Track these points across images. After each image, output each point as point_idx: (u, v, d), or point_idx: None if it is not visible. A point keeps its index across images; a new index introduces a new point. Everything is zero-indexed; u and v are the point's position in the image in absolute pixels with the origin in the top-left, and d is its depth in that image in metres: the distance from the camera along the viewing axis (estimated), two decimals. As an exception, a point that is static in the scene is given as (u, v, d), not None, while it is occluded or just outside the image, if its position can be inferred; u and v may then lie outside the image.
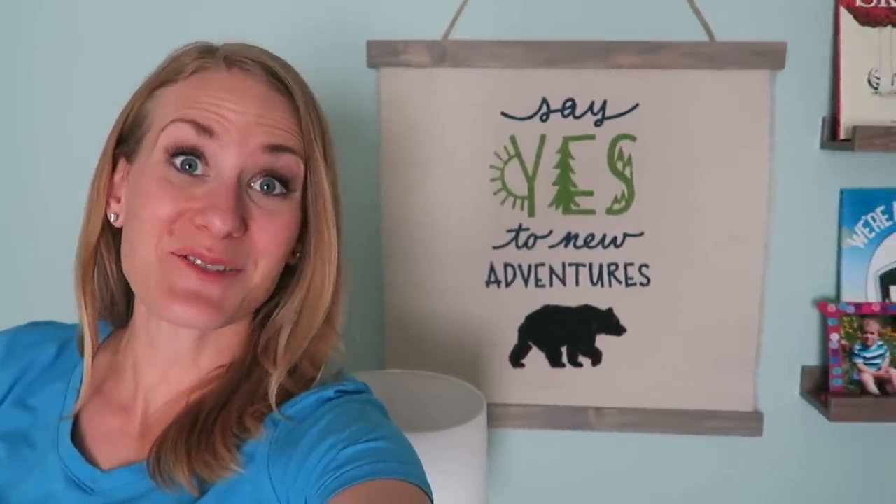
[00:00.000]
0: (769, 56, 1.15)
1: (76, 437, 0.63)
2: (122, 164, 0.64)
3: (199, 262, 0.58)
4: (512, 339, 1.25)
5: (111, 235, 0.65)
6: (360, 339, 1.27)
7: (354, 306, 1.22)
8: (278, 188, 0.61)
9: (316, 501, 0.53)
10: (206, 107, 0.59)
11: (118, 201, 0.64)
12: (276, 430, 0.60)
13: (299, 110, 0.62)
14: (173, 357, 0.64)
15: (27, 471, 0.62)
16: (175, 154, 0.59)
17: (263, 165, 0.60)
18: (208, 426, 0.59)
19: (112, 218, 0.64)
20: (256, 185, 0.60)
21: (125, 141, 0.64)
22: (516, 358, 1.25)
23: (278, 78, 0.62)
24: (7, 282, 1.29)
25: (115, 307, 0.68)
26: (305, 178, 0.62)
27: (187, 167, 0.59)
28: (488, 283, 1.23)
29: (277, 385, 0.62)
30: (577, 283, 1.22)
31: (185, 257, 0.58)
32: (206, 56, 0.62)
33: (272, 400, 0.61)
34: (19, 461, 0.63)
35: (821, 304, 1.21)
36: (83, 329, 0.64)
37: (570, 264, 1.22)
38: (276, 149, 0.60)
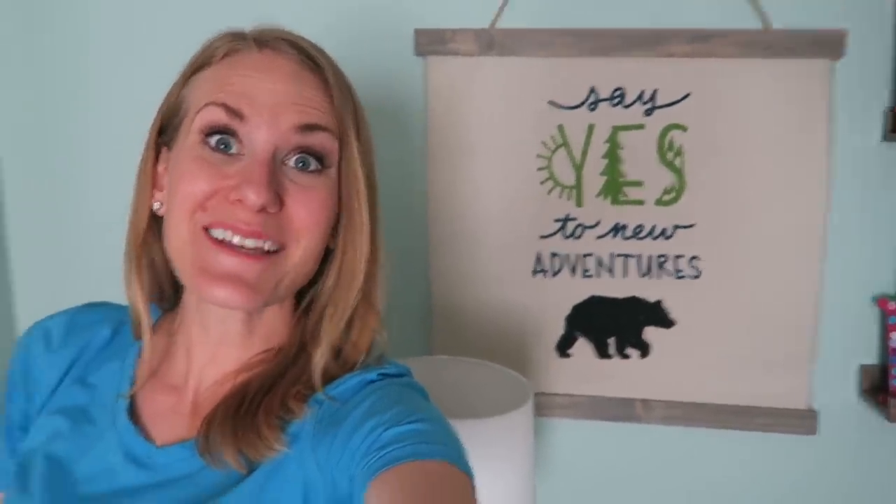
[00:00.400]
0: (828, 45, 1.11)
1: (132, 414, 0.66)
2: (163, 153, 0.65)
3: (236, 239, 0.58)
4: (558, 329, 1.24)
5: (157, 224, 0.66)
6: (407, 327, 1.29)
7: (402, 293, 1.25)
8: (313, 164, 0.61)
9: (360, 481, 0.53)
10: (238, 88, 0.60)
11: (161, 190, 0.65)
12: (320, 410, 0.61)
13: (331, 88, 0.62)
14: (223, 338, 0.65)
15: (88, 445, 0.65)
16: (209, 134, 0.60)
17: (297, 143, 0.60)
18: (253, 408, 0.61)
19: (156, 206, 0.65)
20: (291, 162, 0.60)
21: (165, 130, 0.65)
22: (563, 348, 1.25)
23: (310, 56, 0.62)
24: (64, 268, 1.36)
25: (164, 292, 0.70)
26: (340, 156, 0.63)
27: (222, 147, 0.60)
28: (534, 272, 1.23)
29: (321, 366, 0.63)
30: (625, 275, 1.21)
31: (220, 240, 0.59)
32: (237, 39, 0.63)
33: (317, 379, 0.62)
34: (81, 436, 0.66)
35: (881, 301, 1.17)
36: (137, 314, 0.66)
37: (619, 255, 1.21)
38: (308, 128, 0.60)
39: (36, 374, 0.71)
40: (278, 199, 0.59)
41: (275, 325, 0.67)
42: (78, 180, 1.36)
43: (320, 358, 0.63)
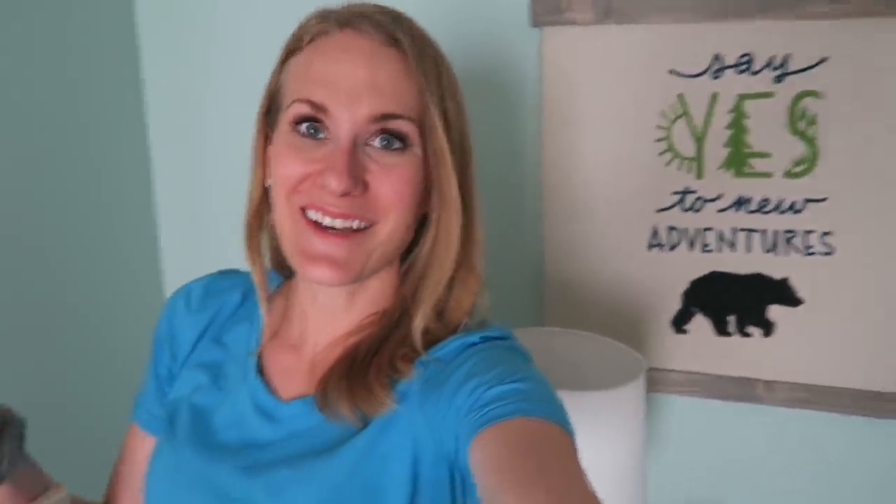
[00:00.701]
0: None
1: (260, 371, 0.72)
2: (270, 136, 0.70)
3: (326, 220, 0.63)
4: (674, 304, 1.21)
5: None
6: (518, 298, 1.30)
7: (514, 264, 1.26)
8: (396, 143, 0.63)
9: (464, 438, 0.56)
10: (321, 76, 0.63)
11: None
12: (426, 371, 0.64)
13: (411, 63, 0.63)
14: (330, 306, 0.71)
15: (224, 398, 0.72)
16: (298, 122, 0.64)
17: (371, 132, 0.63)
18: (364, 368, 0.65)
19: (269, 184, 0.70)
20: (375, 142, 0.63)
21: (269, 112, 0.70)
22: (679, 323, 1.22)
23: (388, 33, 0.63)
24: (206, 238, 1.48)
25: (283, 261, 0.75)
26: (422, 133, 0.64)
27: (311, 132, 0.64)
28: (650, 246, 1.20)
29: (422, 330, 0.66)
30: (748, 250, 1.16)
31: (314, 222, 0.63)
32: (323, 21, 0.65)
33: (417, 343, 0.66)
34: (217, 389, 0.73)
35: None
36: (256, 283, 0.73)
37: (741, 230, 1.16)
38: (383, 118, 0.62)
39: (178, 333, 0.79)
40: (360, 182, 0.62)
41: (381, 289, 0.70)
42: (221, 157, 1.46)
43: (420, 320, 0.66)
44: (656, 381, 1.23)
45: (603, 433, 0.97)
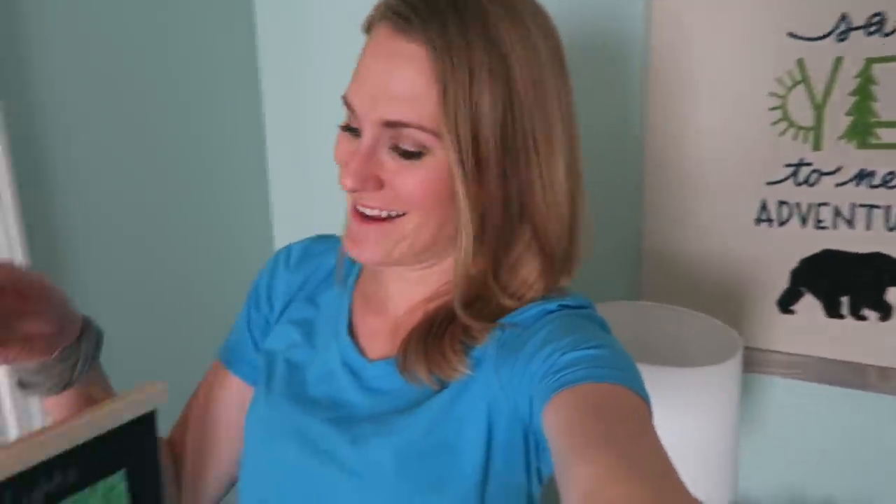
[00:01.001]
0: None
1: (350, 331, 0.75)
2: None
3: (364, 210, 0.66)
4: (781, 283, 1.15)
5: None
6: (614, 270, 1.27)
7: (611, 235, 1.23)
8: (411, 152, 0.62)
9: (538, 401, 0.56)
10: (355, 75, 0.65)
11: None
12: (502, 336, 0.65)
13: (436, 65, 0.59)
14: (404, 277, 0.73)
15: (315, 354, 0.76)
16: (347, 118, 0.67)
17: (389, 136, 0.63)
18: (440, 333, 0.67)
19: None
20: (390, 147, 0.63)
21: None
22: (785, 303, 1.16)
23: (420, 27, 0.60)
24: (310, 203, 1.53)
25: None
26: (444, 132, 0.61)
27: (352, 129, 0.66)
28: (758, 220, 1.14)
29: (459, 304, 0.66)
30: (867, 227, 1.08)
31: (355, 209, 0.67)
32: (375, 10, 0.65)
33: (463, 317, 0.66)
34: (310, 346, 0.77)
35: None
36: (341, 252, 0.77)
37: (861, 205, 1.08)
38: (393, 125, 0.62)
39: (276, 288, 0.83)
40: (373, 180, 0.63)
41: (469, 266, 0.69)
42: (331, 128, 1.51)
43: (457, 305, 0.67)
44: (755, 362, 1.18)
45: (696, 411, 0.95)
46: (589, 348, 0.57)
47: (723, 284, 1.19)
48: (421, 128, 0.61)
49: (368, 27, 0.66)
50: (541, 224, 0.67)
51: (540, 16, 0.65)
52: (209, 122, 1.45)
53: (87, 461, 0.55)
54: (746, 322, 1.19)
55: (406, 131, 0.61)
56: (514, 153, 0.63)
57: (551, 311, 0.65)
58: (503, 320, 0.66)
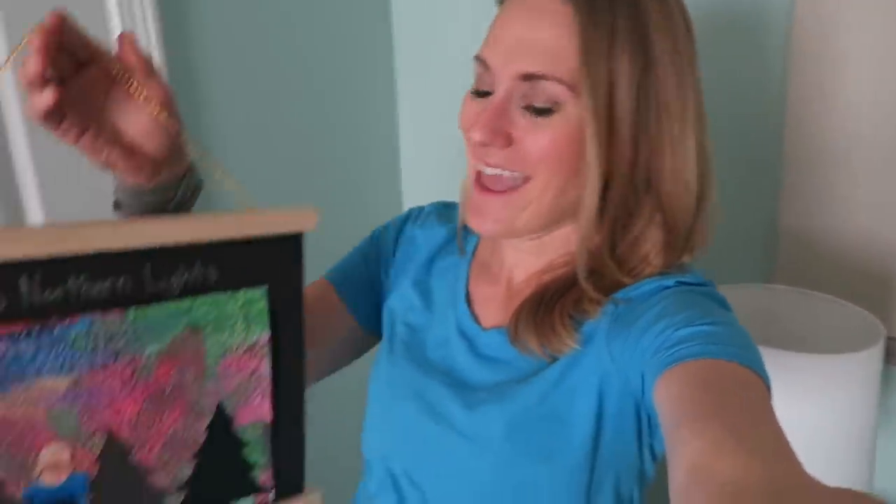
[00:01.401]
0: None
1: (466, 299, 0.77)
2: None
3: (487, 170, 0.65)
4: (936, 270, 1.06)
5: None
6: (746, 250, 1.22)
7: (743, 212, 1.18)
8: (543, 106, 0.62)
9: (650, 376, 0.56)
10: (492, 36, 0.65)
11: None
12: (616, 310, 0.65)
13: (579, 23, 0.60)
14: (519, 248, 0.74)
15: (433, 318, 0.79)
16: (476, 81, 0.67)
17: (523, 92, 0.63)
18: (550, 307, 0.67)
19: None
20: (524, 102, 0.63)
21: None
22: (938, 292, 1.07)
23: None
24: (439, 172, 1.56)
25: None
26: (581, 90, 0.61)
27: (483, 91, 0.66)
28: (912, 200, 1.06)
29: (583, 275, 0.66)
30: None
31: (479, 181, 0.66)
32: None
33: (587, 289, 0.66)
34: (429, 310, 0.80)
35: None
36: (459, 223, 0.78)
37: None
38: (529, 77, 0.62)
39: (402, 245, 0.86)
40: (502, 135, 0.63)
41: (570, 232, 0.71)
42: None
43: (580, 273, 0.67)
44: None
45: (831, 400, 0.91)
46: (704, 324, 0.56)
47: (867, 269, 1.11)
48: (559, 80, 0.61)
49: None
50: (666, 196, 0.65)
51: None
52: (343, 93, 1.50)
53: (229, 265, 0.53)
54: (892, 311, 1.10)
55: (542, 84, 0.61)
56: (646, 119, 0.63)
57: (667, 287, 0.64)
58: (617, 295, 0.65)
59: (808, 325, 1.06)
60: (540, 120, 0.63)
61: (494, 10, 0.68)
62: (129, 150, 0.59)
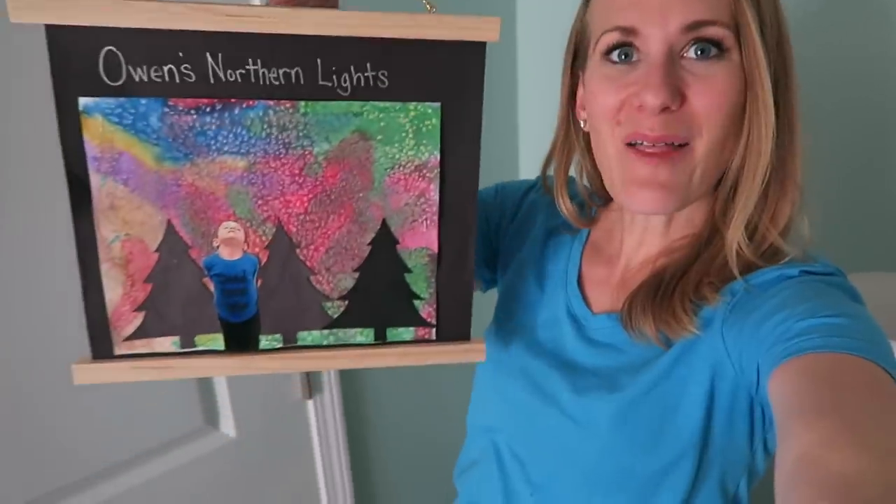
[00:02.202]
0: None
1: (578, 280, 0.74)
2: (581, 76, 0.68)
3: (645, 144, 0.60)
4: None
5: (585, 139, 0.71)
6: (880, 235, 1.03)
7: (878, 196, 0.97)
8: (713, 51, 0.59)
9: (766, 368, 0.53)
10: (626, 3, 0.60)
11: (584, 109, 0.68)
12: (734, 298, 0.61)
13: None
14: (648, 228, 0.69)
15: (544, 296, 0.76)
16: (609, 51, 0.62)
17: (690, 39, 0.59)
18: (669, 291, 0.63)
19: (582, 125, 0.70)
20: (690, 53, 0.59)
21: (577, 56, 0.68)
22: None
23: None
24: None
25: (599, 190, 0.75)
26: (738, 40, 0.58)
27: (623, 57, 0.61)
28: None
29: (734, 248, 0.62)
30: None
31: (634, 147, 0.60)
32: None
33: (732, 261, 0.62)
34: (541, 289, 0.76)
35: None
36: (566, 216, 0.74)
37: None
38: (696, 26, 0.58)
39: (523, 213, 0.82)
40: (678, 94, 0.58)
41: (695, 211, 0.67)
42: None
43: (732, 237, 0.62)
44: None
45: None
46: (828, 316, 0.52)
47: None
48: (724, 24, 0.58)
49: None
50: (792, 164, 0.62)
51: None
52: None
53: (401, 72, 0.52)
54: None
55: (710, 30, 0.58)
56: (784, 76, 0.61)
57: (791, 277, 0.59)
58: (735, 283, 0.61)
59: None
60: (708, 70, 0.59)
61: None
62: None
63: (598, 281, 0.73)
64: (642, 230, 0.70)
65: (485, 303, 0.80)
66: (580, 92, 0.69)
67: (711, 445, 0.62)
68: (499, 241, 0.83)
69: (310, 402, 1.29)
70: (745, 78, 0.60)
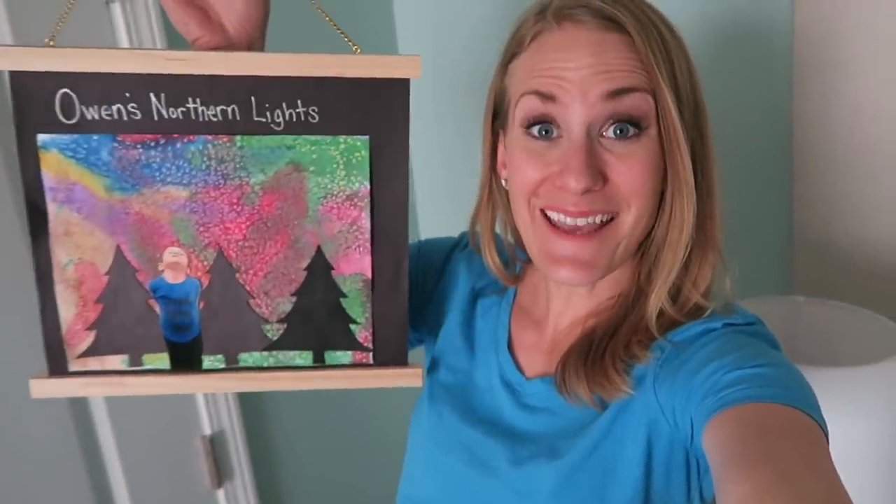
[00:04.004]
0: None
1: (508, 345, 0.73)
2: (500, 135, 0.69)
3: (568, 220, 0.61)
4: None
5: (507, 196, 0.70)
6: (764, 262, 1.14)
7: (759, 225, 1.11)
8: (631, 130, 0.60)
9: (699, 421, 0.54)
10: (546, 73, 0.61)
11: (505, 168, 0.69)
12: (663, 354, 0.62)
13: (636, 43, 0.59)
14: (573, 292, 0.70)
15: (476, 363, 0.75)
16: (529, 126, 0.62)
17: (609, 113, 0.59)
18: (600, 353, 0.64)
19: (504, 182, 0.70)
20: (609, 133, 0.60)
21: (497, 116, 0.69)
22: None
23: (607, 17, 0.60)
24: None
25: (523, 246, 0.72)
26: (656, 110, 0.60)
27: (544, 133, 0.61)
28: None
29: (656, 310, 0.63)
30: None
31: (556, 226, 0.62)
32: (540, 19, 0.63)
33: (651, 326, 0.63)
34: (472, 353, 0.75)
35: None
36: (495, 273, 0.74)
37: None
38: (616, 93, 0.59)
39: (448, 273, 0.81)
40: (600, 176, 0.60)
41: (620, 273, 0.67)
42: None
43: (655, 303, 0.64)
44: None
45: (854, 414, 0.88)
46: (754, 367, 0.54)
47: (884, 276, 1.05)
48: (645, 90, 0.59)
49: (533, 37, 0.64)
50: (712, 228, 0.64)
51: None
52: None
53: (331, 108, 0.56)
54: None
55: (630, 97, 0.59)
56: (701, 144, 0.63)
57: (714, 330, 0.62)
58: (662, 340, 0.63)
59: (828, 337, 1.02)
60: (626, 147, 0.60)
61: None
62: (208, 18, 0.58)
63: (528, 345, 0.72)
64: (567, 293, 0.70)
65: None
66: (501, 150, 0.70)
67: (651, 502, 0.63)
68: (422, 302, 0.81)
69: (220, 492, 1.21)
70: (664, 151, 0.61)
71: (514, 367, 0.71)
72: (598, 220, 0.61)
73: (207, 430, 1.19)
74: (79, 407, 1.04)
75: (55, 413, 1.01)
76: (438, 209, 1.52)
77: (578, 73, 0.59)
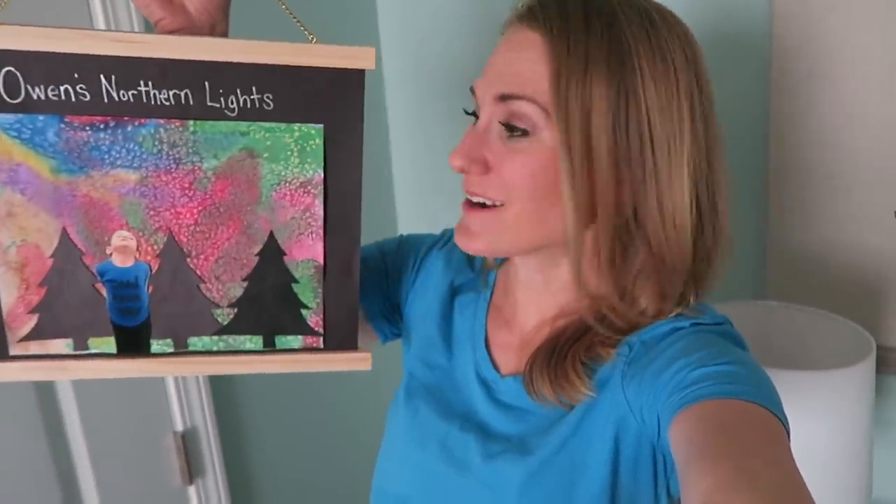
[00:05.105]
0: None
1: (485, 341, 0.74)
2: None
3: (467, 196, 0.65)
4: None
5: None
6: (736, 267, 1.10)
7: (731, 230, 1.03)
8: (517, 131, 0.62)
9: (665, 418, 0.55)
10: (484, 69, 0.65)
11: None
12: (631, 352, 0.63)
13: (550, 48, 0.60)
14: (530, 286, 0.71)
15: (453, 359, 0.76)
16: (471, 114, 0.68)
17: (500, 113, 0.63)
18: (563, 355, 0.65)
19: None
20: (501, 128, 0.63)
21: None
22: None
23: (543, 17, 0.61)
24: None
25: None
26: (558, 116, 0.60)
27: (476, 117, 0.66)
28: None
29: (622, 312, 0.64)
30: None
31: (466, 199, 0.66)
32: (511, 14, 0.66)
33: (617, 324, 0.64)
34: (448, 350, 0.77)
35: None
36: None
37: None
38: (503, 98, 0.62)
39: (426, 270, 0.82)
40: (479, 162, 0.63)
41: (587, 275, 0.66)
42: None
43: (617, 301, 0.65)
44: (892, 363, 1.05)
45: (825, 416, 0.91)
46: (719, 364, 0.55)
47: (856, 282, 1.08)
48: (531, 100, 0.60)
49: (502, 31, 0.67)
50: (654, 235, 0.63)
51: (679, 25, 0.63)
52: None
53: (285, 95, 0.56)
54: (884, 321, 1.05)
55: (517, 105, 0.61)
56: (626, 152, 0.61)
57: (681, 328, 0.63)
58: (631, 337, 0.64)
59: (799, 341, 1.05)
60: (515, 144, 0.62)
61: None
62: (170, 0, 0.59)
63: (502, 343, 0.74)
64: (529, 290, 0.72)
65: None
66: None
67: (619, 499, 0.64)
68: (400, 297, 0.83)
69: (191, 488, 1.20)
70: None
71: (489, 365, 0.73)
72: (486, 202, 0.64)
73: (180, 427, 1.18)
74: (47, 400, 1.01)
75: (21, 405, 0.98)
76: (420, 207, 1.53)
77: (489, 72, 0.64)
